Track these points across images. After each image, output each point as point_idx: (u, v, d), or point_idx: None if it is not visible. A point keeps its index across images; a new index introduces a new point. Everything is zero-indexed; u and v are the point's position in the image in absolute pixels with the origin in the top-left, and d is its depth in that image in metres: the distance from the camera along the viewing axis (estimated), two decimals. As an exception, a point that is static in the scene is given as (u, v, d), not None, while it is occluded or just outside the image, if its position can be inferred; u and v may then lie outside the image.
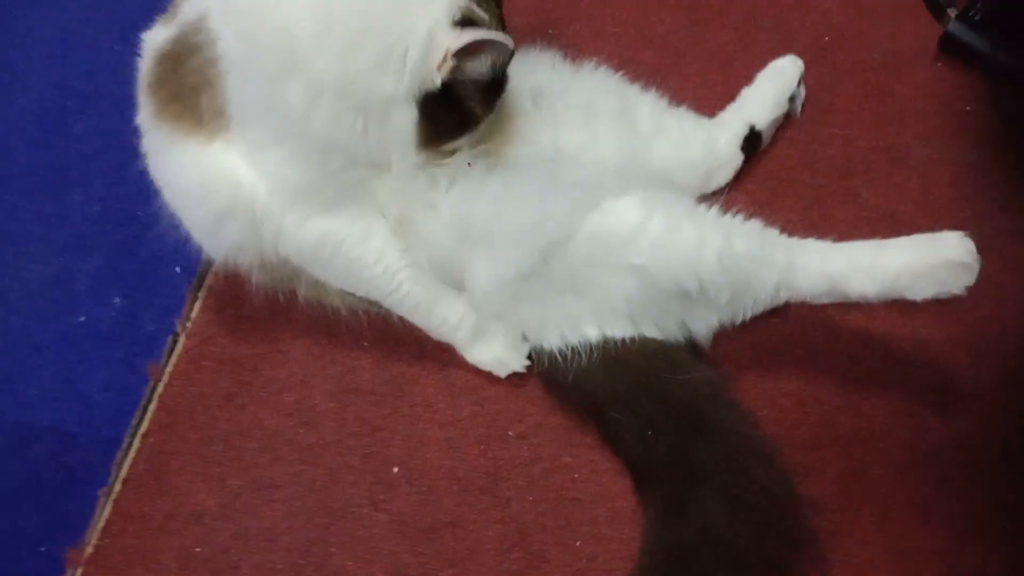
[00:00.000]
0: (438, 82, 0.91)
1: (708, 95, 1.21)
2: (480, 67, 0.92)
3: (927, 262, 0.92)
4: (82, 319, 1.30)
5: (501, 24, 0.97)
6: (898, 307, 1.04)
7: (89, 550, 1.07)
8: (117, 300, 1.31)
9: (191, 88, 0.98)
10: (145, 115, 1.04)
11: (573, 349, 1.03)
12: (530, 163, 1.02)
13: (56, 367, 1.28)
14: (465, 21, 0.90)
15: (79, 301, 1.32)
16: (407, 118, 0.93)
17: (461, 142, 0.99)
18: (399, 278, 1.05)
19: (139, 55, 1.04)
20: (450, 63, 0.90)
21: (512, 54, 0.93)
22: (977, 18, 1.20)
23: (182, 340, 1.18)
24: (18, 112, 1.51)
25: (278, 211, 1.01)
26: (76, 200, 1.41)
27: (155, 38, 1.02)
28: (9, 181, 1.45)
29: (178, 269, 1.29)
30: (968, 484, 1.00)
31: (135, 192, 1.19)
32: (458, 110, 0.96)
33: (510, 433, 1.08)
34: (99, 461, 1.16)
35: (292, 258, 1.05)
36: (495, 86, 0.97)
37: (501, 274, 1.00)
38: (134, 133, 1.09)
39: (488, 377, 1.11)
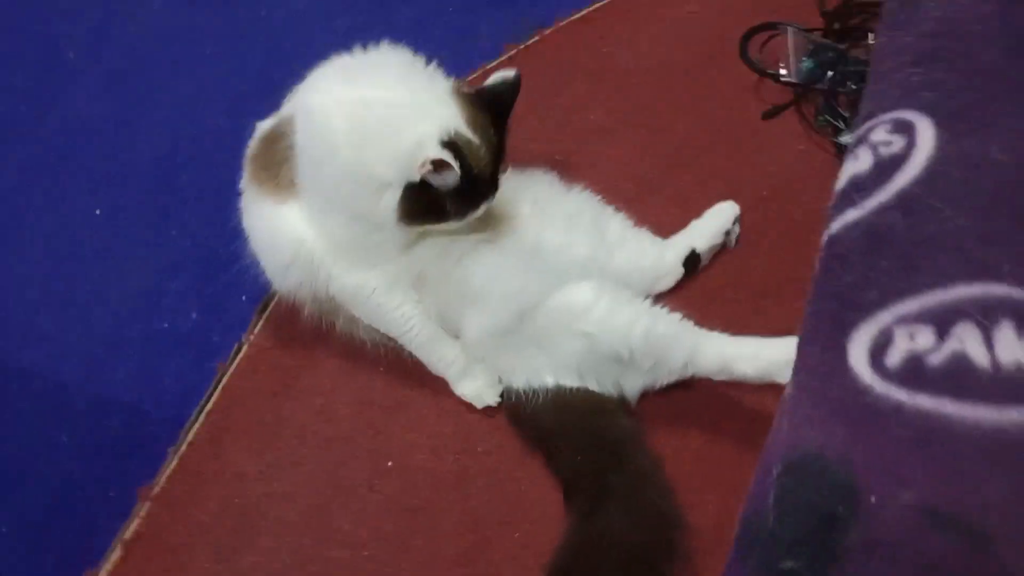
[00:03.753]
0: (416, 177, 1.08)
1: (666, 222, 1.41)
2: (443, 179, 1.09)
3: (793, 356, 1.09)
4: (165, 325, 1.51)
5: (499, 149, 1.14)
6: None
7: (156, 490, 1.26)
8: (194, 315, 1.51)
9: (277, 162, 1.19)
10: (245, 178, 1.26)
11: (534, 391, 1.23)
12: (520, 250, 1.22)
13: (140, 359, 1.47)
14: (450, 144, 1.08)
15: (164, 311, 1.52)
16: (393, 197, 1.10)
17: (437, 228, 1.16)
18: (412, 322, 1.25)
19: (251, 136, 1.27)
20: (427, 167, 1.07)
21: (459, 178, 1.09)
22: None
23: (245, 348, 1.40)
24: (138, 162, 1.74)
25: (329, 262, 1.21)
26: (173, 235, 1.63)
27: (263, 125, 1.26)
28: (124, 211, 1.67)
29: (244, 298, 1.49)
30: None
31: (218, 235, 1.38)
32: (436, 204, 1.12)
33: (479, 448, 1.28)
34: (166, 433, 1.35)
35: (336, 297, 1.25)
36: (469, 197, 1.13)
37: (488, 327, 1.22)
38: (224, 189, 1.28)
39: (468, 406, 1.30)
